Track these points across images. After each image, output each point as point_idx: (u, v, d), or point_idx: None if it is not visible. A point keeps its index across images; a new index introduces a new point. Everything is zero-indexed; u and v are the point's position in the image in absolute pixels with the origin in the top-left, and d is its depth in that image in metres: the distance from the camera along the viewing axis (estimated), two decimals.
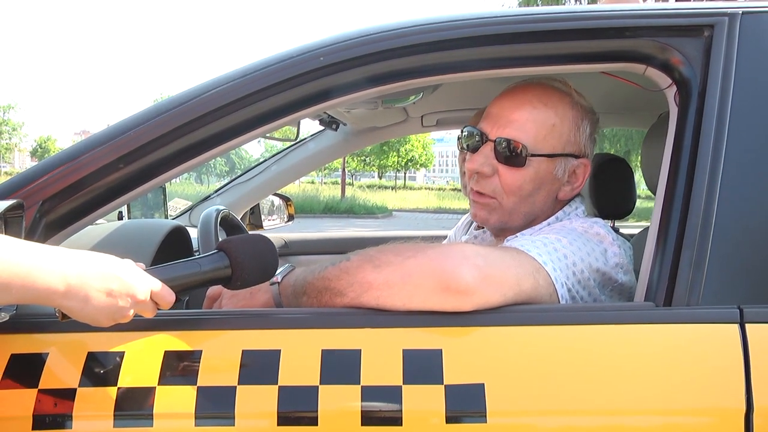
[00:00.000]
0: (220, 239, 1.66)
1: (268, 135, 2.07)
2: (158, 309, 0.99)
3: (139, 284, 0.94)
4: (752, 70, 1.09)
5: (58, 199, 1.11)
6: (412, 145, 47.32)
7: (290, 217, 3.02)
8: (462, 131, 1.40)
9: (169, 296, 0.98)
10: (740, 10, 1.12)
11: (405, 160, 48.61)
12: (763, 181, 1.05)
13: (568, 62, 1.20)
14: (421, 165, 52.14)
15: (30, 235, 1.07)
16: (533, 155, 1.28)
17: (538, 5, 15.53)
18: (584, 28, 1.16)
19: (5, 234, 0.95)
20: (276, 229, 2.93)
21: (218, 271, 1.05)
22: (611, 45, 1.17)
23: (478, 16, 1.17)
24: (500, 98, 1.36)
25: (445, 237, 2.02)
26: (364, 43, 1.15)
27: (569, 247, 1.17)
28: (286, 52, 1.17)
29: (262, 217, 2.84)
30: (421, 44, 1.16)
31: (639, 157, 2.11)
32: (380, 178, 61.63)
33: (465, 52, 1.17)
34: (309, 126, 2.63)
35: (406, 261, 1.05)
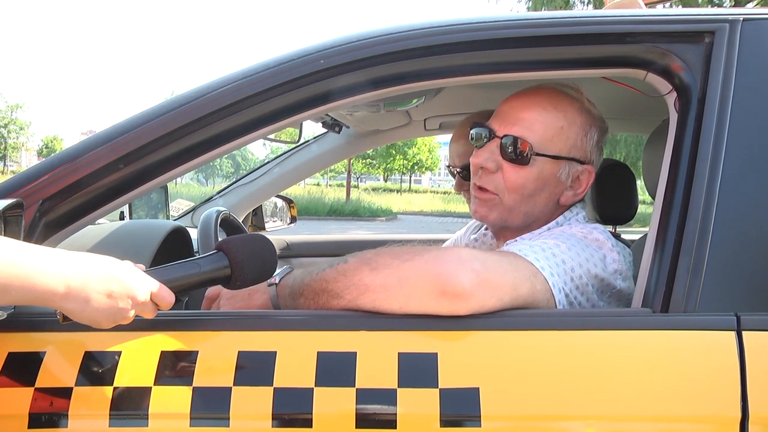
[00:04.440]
0: (220, 240, 1.66)
1: (270, 137, 2.08)
2: (158, 310, 1.00)
3: (139, 285, 0.94)
4: (752, 77, 1.09)
5: (57, 198, 1.11)
6: (418, 149, 47.32)
7: (293, 219, 3.02)
8: (471, 127, 1.40)
9: (168, 297, 0.98)
10: (741, 17, 1.12)
11: (411, 164, 48.61)
12: (762, 188, 1.05)
13: (569, 67, 1.20)
14: (426, 168, 52.14)
15: (29, 235, 1.07)
16: (538, 155, 1.29)
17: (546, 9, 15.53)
18: (585, 33, 1.16)
19: (4, 233, 0.96)
20: (278, 231, 2.93)
21: (217, 271, 1.06)
22: (612, 50, 1.17)
23: (478, 20, 1.17)
24: (511, 98, 1.37)
25: (447, 240, 2.02)
26: (364, 46, 1.15)
27: (568, 252, 1.17)
28: (287, 55, 1.17)
29: (265, 218, 2.84)
30: (422, 48, 1.16)
31: None
32: (386, 181, 61.62)
33: (465, 56, 1.17)
34: (312, 128, 2.64)
35: (403, 264, 1.05)
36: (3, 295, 0.83)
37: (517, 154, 1.29)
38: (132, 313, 0.95)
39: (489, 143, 1.33)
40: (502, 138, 1.31)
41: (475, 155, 1.35)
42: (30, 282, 0.84)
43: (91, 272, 0.90)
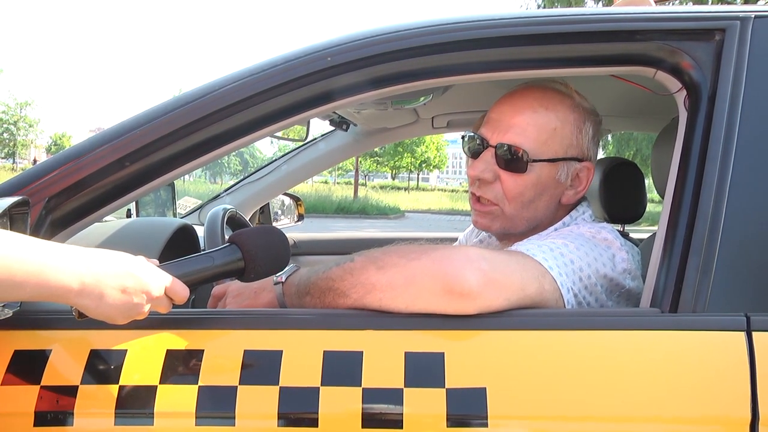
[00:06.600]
0: (226, 238, 1.66)
1: (278, 135, 2.08)
2: (172, 305, 0.99)
3: (153, 280, 0.94)
4: (763, 75, 1.07)
5: (64, 196, 1.11)
6: (426, 147, 47.34)
7: (300, 217, 3.02)
8: (463, 137, 1.38)
9: (183, 291, 0.98)
10: (752, 14, 1.10)
11: (419, 162, 48.63)
12: None
13: (578, 65, 1.19)
14: (434, 166, 52.15)
15: (35, 232, 1.07)
16: (535, 160, 1.27)
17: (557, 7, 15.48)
18: (594, 31, 1.15)
19: (10, 231, 0.95)
20: (286, 229, 2.93)
21: (231, 264, 1.06)
22: (621, 48, 1.16)
23: (486, 17, 1.16)
24: (500, 103, 1.34)
25: (455, 239, 2.01)
26: (371, 43, 1.15)
27: (576, 252, 1.16)
28: (294, 52, 1.16)
29: (272, 216, 2.84)
30: (430, 45, 1.15)
31: None
32: (393, 179, 61.68)
33: (473, 54, 1.17)
34: (320, 126, 2.64)
35: (410, 263, 1.04)
36: (17, 291, 0.83)
37: (513, 161, 1.27)
38: (147, 308, 0.95)
39: (484, 153, 1.31)
40: (496, 146, 1.28)
41: (471, 167, 1.32)
42: (44, 278, 0.84)
43: (105, 268, 0.90)
